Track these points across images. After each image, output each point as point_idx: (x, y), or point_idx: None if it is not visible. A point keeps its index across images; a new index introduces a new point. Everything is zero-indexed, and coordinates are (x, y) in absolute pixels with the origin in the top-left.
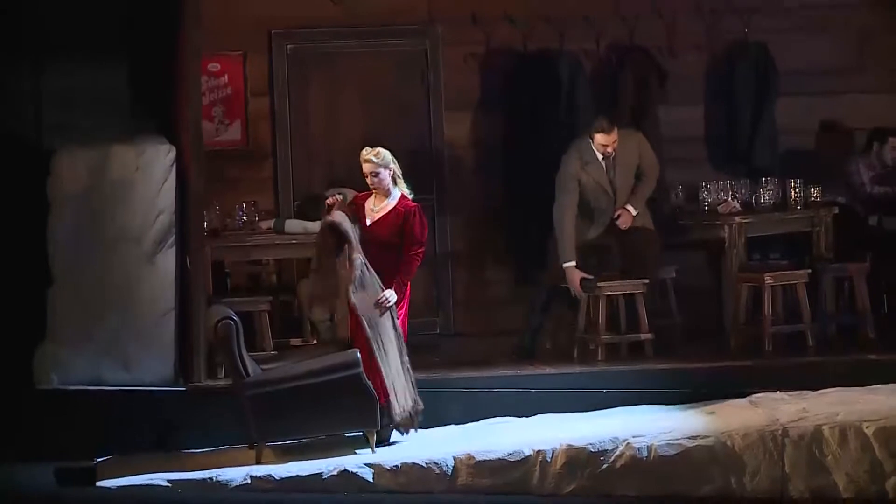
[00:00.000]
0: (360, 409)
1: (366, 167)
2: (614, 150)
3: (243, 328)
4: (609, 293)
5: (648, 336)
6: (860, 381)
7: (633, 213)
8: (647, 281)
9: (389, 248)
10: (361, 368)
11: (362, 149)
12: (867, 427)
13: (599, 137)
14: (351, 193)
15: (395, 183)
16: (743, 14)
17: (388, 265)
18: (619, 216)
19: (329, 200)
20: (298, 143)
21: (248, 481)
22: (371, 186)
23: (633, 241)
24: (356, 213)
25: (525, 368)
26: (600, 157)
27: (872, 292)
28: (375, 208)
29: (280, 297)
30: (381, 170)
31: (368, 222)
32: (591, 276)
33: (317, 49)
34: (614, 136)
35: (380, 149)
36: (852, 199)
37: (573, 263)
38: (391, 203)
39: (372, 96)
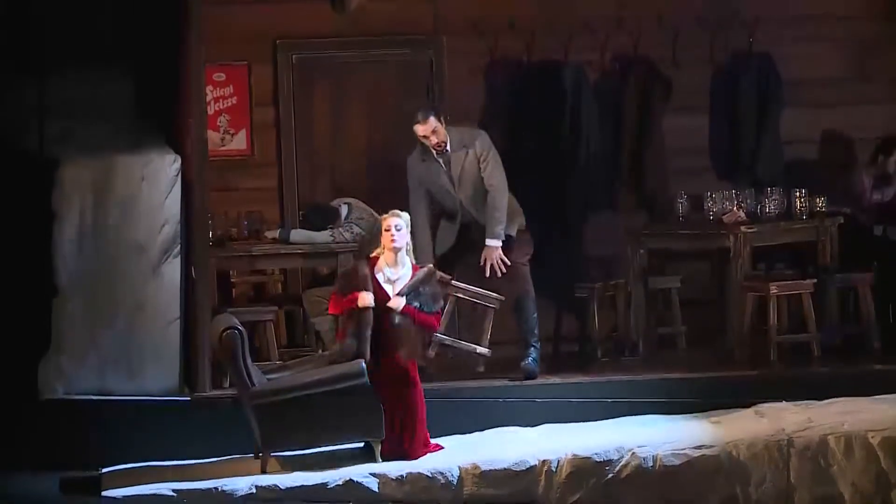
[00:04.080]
0: (365, 419)
1: (392, 220)
2: (441, 142)
3: (248, 338)
4: None
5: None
6: (865, 390)
7: (494, 245)
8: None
9: (411, 316)
10: (367, 378)
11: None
12: (873, 437)
13: (416, 128)
14: (356, 203)
15: (407, 252)
16: (747, 24)
17: (409, 328)
18: (483, 259)
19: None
20: (303, 152)
21: (254, 491)
22: (391, 244)
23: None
24: (366, 281)
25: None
26: (434, 153)
27: (877, 302)
28: (394, 276)
29: (285, 307)
30: (404, 226)
31: (391, 291)
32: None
33: (322, 59)
34: (431, 125)
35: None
36: (856, 208)
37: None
38: (408, 272)
39: (376, 107)
